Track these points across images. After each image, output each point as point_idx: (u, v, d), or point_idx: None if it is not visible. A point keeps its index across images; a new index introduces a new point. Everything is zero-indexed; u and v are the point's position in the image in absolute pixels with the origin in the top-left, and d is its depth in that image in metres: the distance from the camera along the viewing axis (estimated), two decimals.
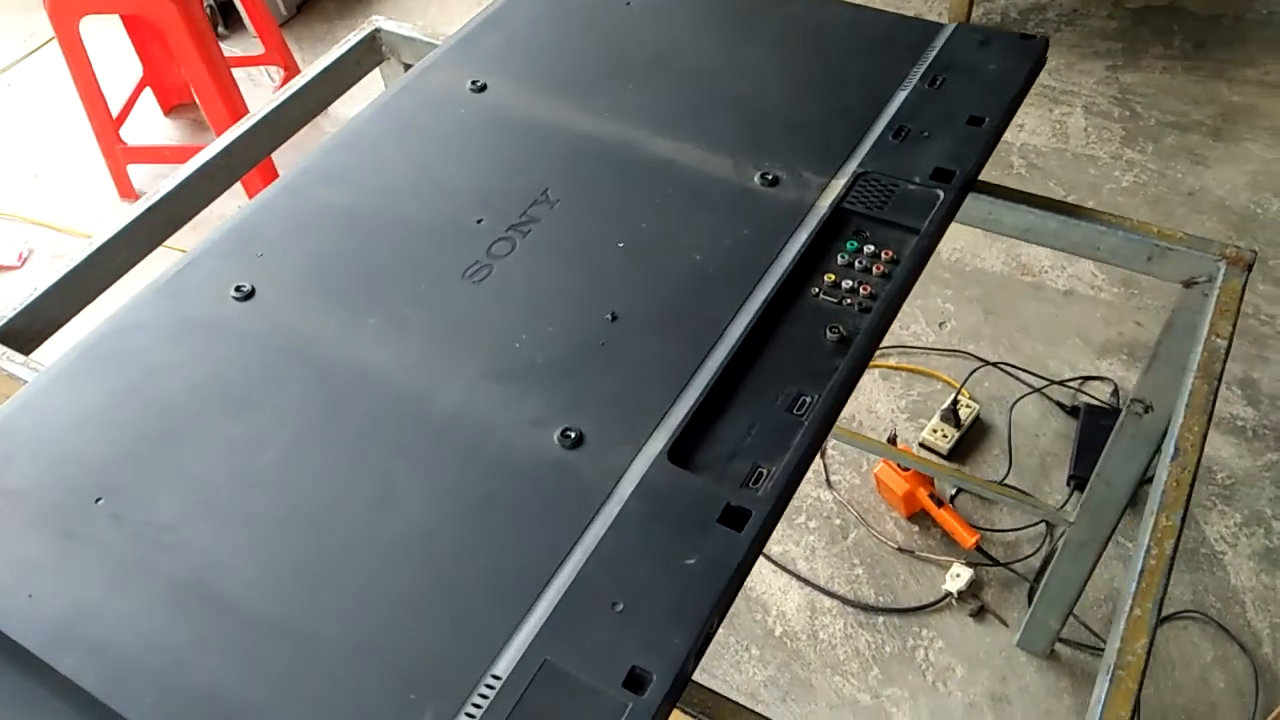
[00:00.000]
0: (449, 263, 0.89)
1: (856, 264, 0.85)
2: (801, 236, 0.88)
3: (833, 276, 0.85)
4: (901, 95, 1.00)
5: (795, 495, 1.84)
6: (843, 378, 0.78)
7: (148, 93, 2.73)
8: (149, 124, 2.77)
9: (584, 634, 0.64)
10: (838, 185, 0.92)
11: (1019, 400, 1.87)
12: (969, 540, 1.62)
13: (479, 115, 1.05)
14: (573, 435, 0.75)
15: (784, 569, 1.68)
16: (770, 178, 0.93)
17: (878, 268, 0.85)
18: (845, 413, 1.89)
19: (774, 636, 1.60)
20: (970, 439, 1.81)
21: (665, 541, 0.68)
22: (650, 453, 0.74)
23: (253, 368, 0.83)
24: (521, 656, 0.63)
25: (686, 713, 0.70)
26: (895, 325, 2.06)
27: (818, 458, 1.84)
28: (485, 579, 0.68)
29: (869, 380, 1.97)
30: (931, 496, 1.66)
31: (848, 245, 0.87)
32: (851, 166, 0.93)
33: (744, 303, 0.83)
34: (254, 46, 2.87)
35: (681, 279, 0.86)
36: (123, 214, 1.06)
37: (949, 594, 1.59)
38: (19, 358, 0.91)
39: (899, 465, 1.68)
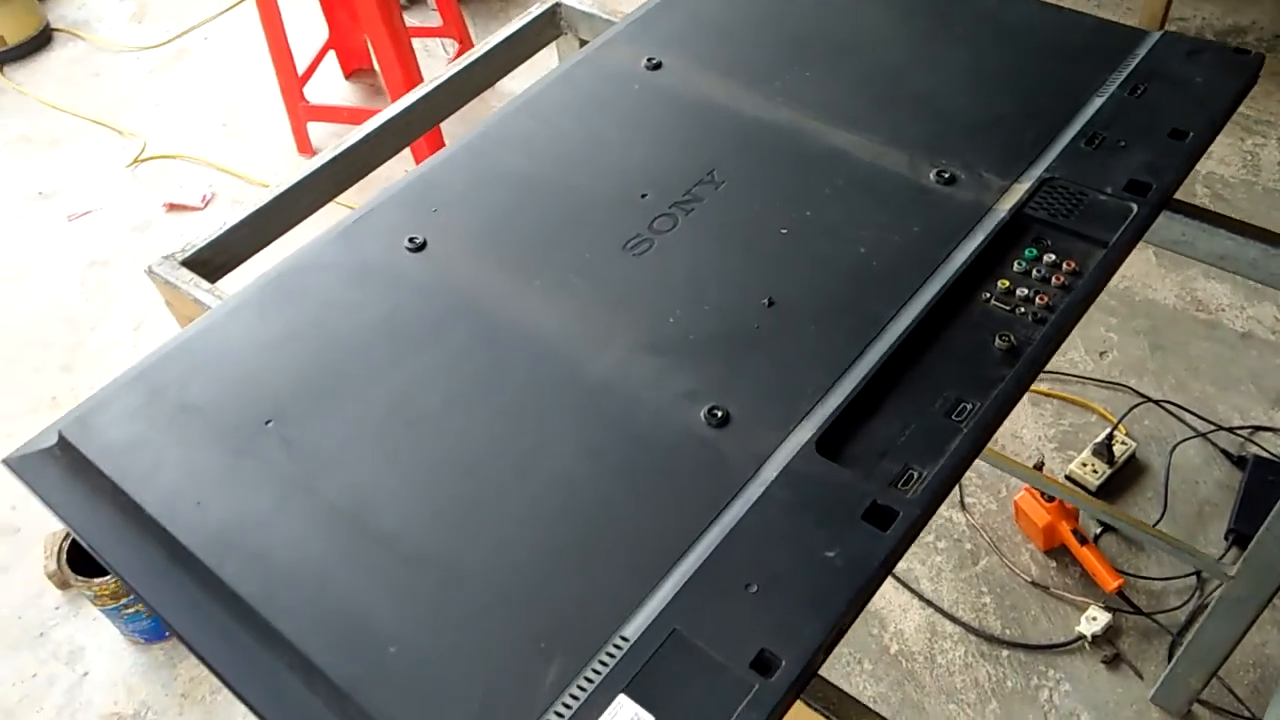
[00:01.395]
0: (612, 234, 0.91)
1: (1034, 273, 0.82)
2: (977, 239, 0.85)
3: (1007, 283, 0.82)
4: (1098, 102, 0.95)
5: None
6: (1008, 389, 0.75)
7: (331, 56, 2.88)
8: (330, 85, 2.93)
9: (715, 610, 0.64)
10: (1020, 189, 0.89)
11: (1181, 443, 1.76)
12: (1111, 583, 1.53)
13: (652, 92, 1.06)
14: (720, 414, 0.75)
15: (906, 586, 1.63)
16: (947, 176, 0.91)
17: (1057, 278, 0.81)
18: None
19: (889, 653, 1.57)
20: (1122, 478, 1.71)
21: (806, 530, 0.68)
22: (797, 441, 0.73)
23: (420, 316, 0.86)
24: (651, 622, 0.64)
25: (810, 705, 0.69)
26: None
27: None
28: (622, 543, 0.69)
29: (1018, 405, 1.89)
30: (1074, 532, 1.58)
31: (1026, 253, 0.84)
32: (1037, 171, 0.89)
33: (909, 300, 0.81)
34: (432, 19, 2.99)
35: (844, 271, 0.85)
36: (306, 165, 1.12)
37: (1082, 636, 1.51)
38: (205, 284, 0.98)
39: (1043, 495, 1.61)
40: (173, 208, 2.58)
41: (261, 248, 1.09)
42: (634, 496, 0.72)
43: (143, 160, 2.74)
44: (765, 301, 0.83)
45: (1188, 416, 1.79)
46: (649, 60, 1.08)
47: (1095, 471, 1.70)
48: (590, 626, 0.65)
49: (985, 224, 0.86)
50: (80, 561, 1.68)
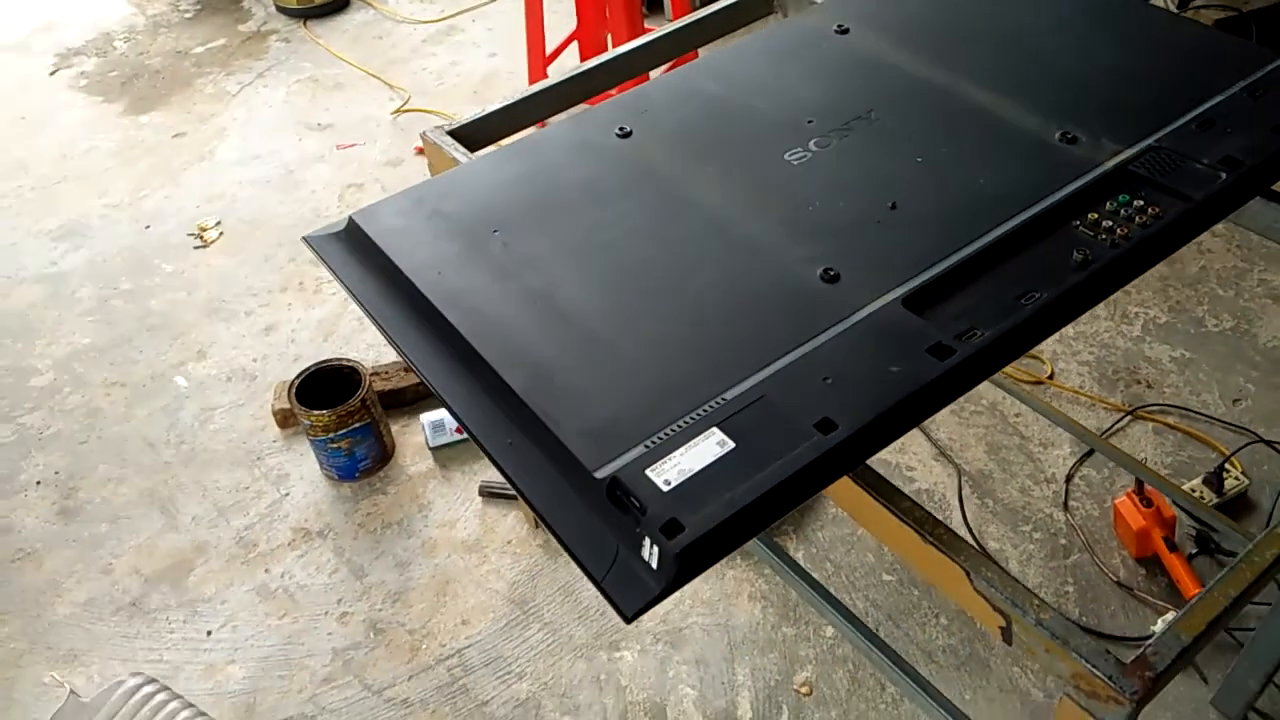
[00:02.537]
0: (776, 146, 1.12)
1: (1122, 213, 0.97)
2: (1080, 182, 1.01)
3: (1096, 216, 0.97)
4: (1218, 99, 1.08)
5: (1025, 505, 1.93)
6: (1073, 289, 0.91)
7: (574, 46, 3.24)
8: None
9: (797, 388, 0.84)
10: (1129, 152, 1.03)
11: None
12: (1192, 590, 1.58)
13: (835, 49, 1.27)
14: (831, 273, 0.95)
15: (992, 561, 1.73)
16: (1070, 136, 1.07)
17: (1141, 219, 0.96)
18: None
19: (965, 615, 1.67)
20: (1227, 510, 1.74)
21: (879, 352, 0.86)
22: (890, 297, 0.92)
23: (615, 180, 1.11)
24: (746, 389, 0.84)
25: (857, 482, 0.86)
26: (1185, 389, 2.03)
27: (1062, 481, 1.87)
28: (738, 338, 0.90)
29: (1140, 431, 1.94)
30: (1166, 540, 1.64)
31: (1120, 197, 0.99)
32: (1148, 141, 1.04)
33: (1010, 218, 0.98)
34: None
35: (962, 192, 1.03)
36: (552, 77, 1.40)
37: (1155, 634, 1.56)
38: (463, 148, 1.27)
39: (1141, 501, 1.68)
40: (421, 151, 2.99)
41: (510, 133, 1.37)
42: (754, 312, 0.92)
43: (405, 111, 3.19)
44: (890, 205, 1.02)
45: None
46: (838, 26, 1.29)
47: (1202, 498, 1.74)
48: (701, 385, 0.86)
49: (1091, 173, 1.02)
50: (305, 400, 2.03)
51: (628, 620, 0.76)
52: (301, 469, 2.14)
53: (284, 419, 2.21)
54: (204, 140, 3.18)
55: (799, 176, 1.08)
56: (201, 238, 2.81)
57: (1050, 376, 2.06)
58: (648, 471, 0.78)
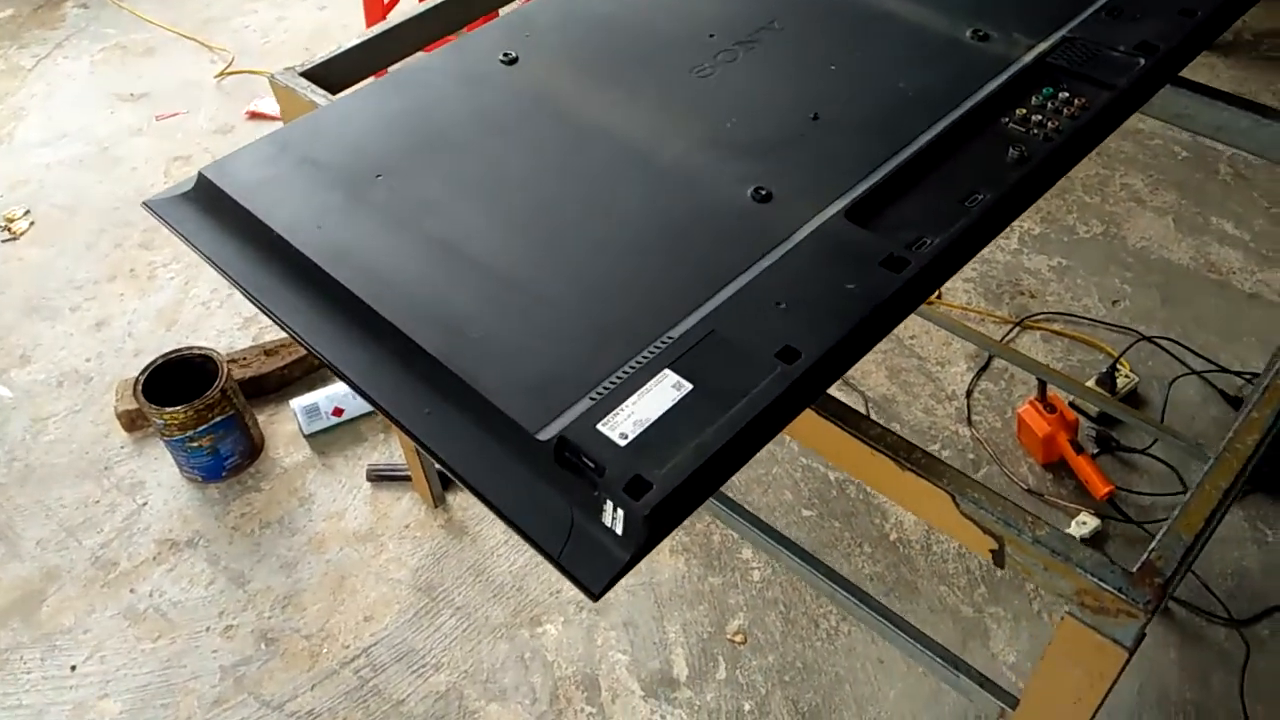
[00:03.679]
0: (680, 62, 1.04)
1: (1049, 105, 0.94)
2: (1002, 78, 0.97)
3: (1024, 112, 0.93)
4: None
5: (930, 424, 1.93)
6: (1015, 186, 0.87)
7: None
8: None
9: (749, 319, 0.76)
10: (1044, 45, 1.00)
11: (1179, 378, 1.85)
12: (1102, 490, 1.63)
13: None
14: (764, 193, 0.87)
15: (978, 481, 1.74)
16: (981, 34, 1.03)
17: (1069, 111, 0.92)
18: (999, 362, 1.92)
19: (888, 540, 1.67)
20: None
21: (831, 271, 0.79)
22: (830, 212, 0.85)
23: (509, 111, 0.99)
24: (693, 326, 0.76)
25: (822, 414, 0.80)
26: (1066, 296, 2.09)
27: (963, 397, 1.89)
28: (673, 271, 0.81)
29: (1029, 340, 1.99)
30: (1072, 443, 1.68)
31: (1044, 91, 0.95)
32: (1061, 33, 1.01)
33: (938, 120, 0.93)
34: None
35: (883, 97, 0.97)
36: (415, 6, 1.26)
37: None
38: (320, 90, 1.12)
39: (1044, 408, 1.71)
40: (254, 115, 2.74)
41: (370, 73, 1.22)
42: (687, 242, 0.84)
43: (230, 73, 2.91)
44: (811, 115, 0.96)
45: (1189, 358, 1.89)
46: None
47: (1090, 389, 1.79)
48: (642, 326, 0.77)
49: (1012, 69, 0.98)
50: (152, 398, 1.82)
51: (594, 597, 0.67)
52: (158, 474, 1.93)
53: (130, 421, 1.98)
54: (3, 119, 2.81)
55: (709, 93, 1.00)
56: (9, 229, 2.49)
57: (938, 296, 2.08)
58: (599, 426, 0.69)
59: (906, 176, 0.88)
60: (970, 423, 1.84)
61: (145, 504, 1.89)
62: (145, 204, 0.98)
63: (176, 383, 1.86)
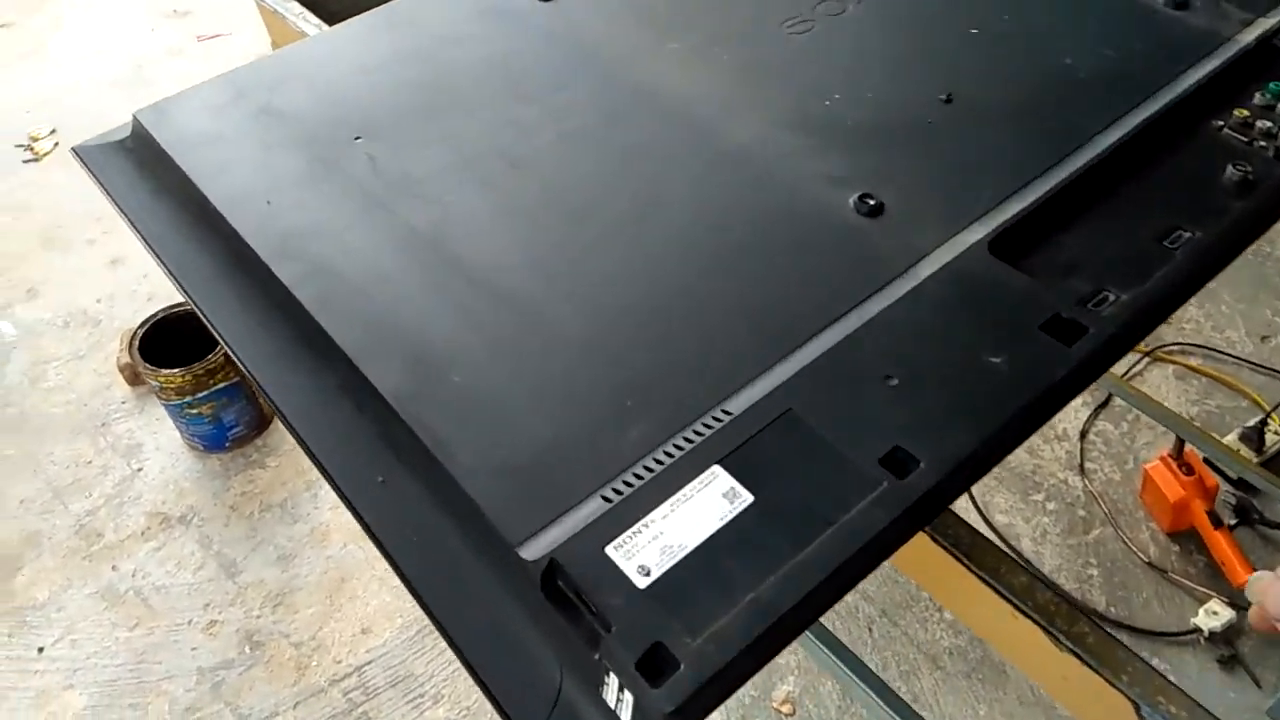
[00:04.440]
0: (769, 11, 0.79)
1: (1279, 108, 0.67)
2: (1210, 65, 0.71)
3: (1245, 114, 0.67)
4: None
5: (1035, 469, 1.63)
6: (1237, 221, 0.61)
7: None
8: None
9: (843, 397, 0.53)
10: (1269, 23, 0.74)
11: None
12: (1241, 575, 1.36)
13: None
14: (872, 202, 0.63)
15: (1005, 541, 1.49)
16: (1182, 1, 0.76)
17: None
18: (1121, 401, 1.65)
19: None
20: (1271, 470, 1.53)
21: (968, 331, 0.55)
22: (965, 240, 0.61)
23: (542, 62, 0.76)
24: (761, 399, 0.53)
25: (936, 540, 0.57)
26: (1206, 325, 1.79)
27: (1075, 438, 1.62)
28: (737, 314, 0.58)
29: (1160, 375, 1.71)
30: (1209, 514, 1.41)
31: (1271, 86, 0.69)
32: None
33: (1122, 117, 0.68)
34: None
35: (1042, 78, 0.72)
36: None
37: (1198, 630, 1.34)
38: (315, 19, 0.90)
39: (1180, 468, 1.44)
40: None
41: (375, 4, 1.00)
42: (758, 268, 0.61)
43: None
44: (943, 97, 0.71)
45: None
46: None
47: (1242, 458, 1.51)
48: (687, 392, 0.54)
49: (1223, 52, 0.72)
50: (154, 354, 1.66)
51: None
52: (158, 437, 1.78)
53: (134, 375, 1.83)
54: (34, 32, 2.67)
55: (805, 55, 0.75)
56: (32, 149, 2.35)
57: None
58: (610, 550, 0.47)
59: (1078, 196, 0.63)
60: (1083, 471, 1.57)
61: (140, 470, 1.73)
62: (74, 150, 0.78)
63: (183, 339, 1.69)
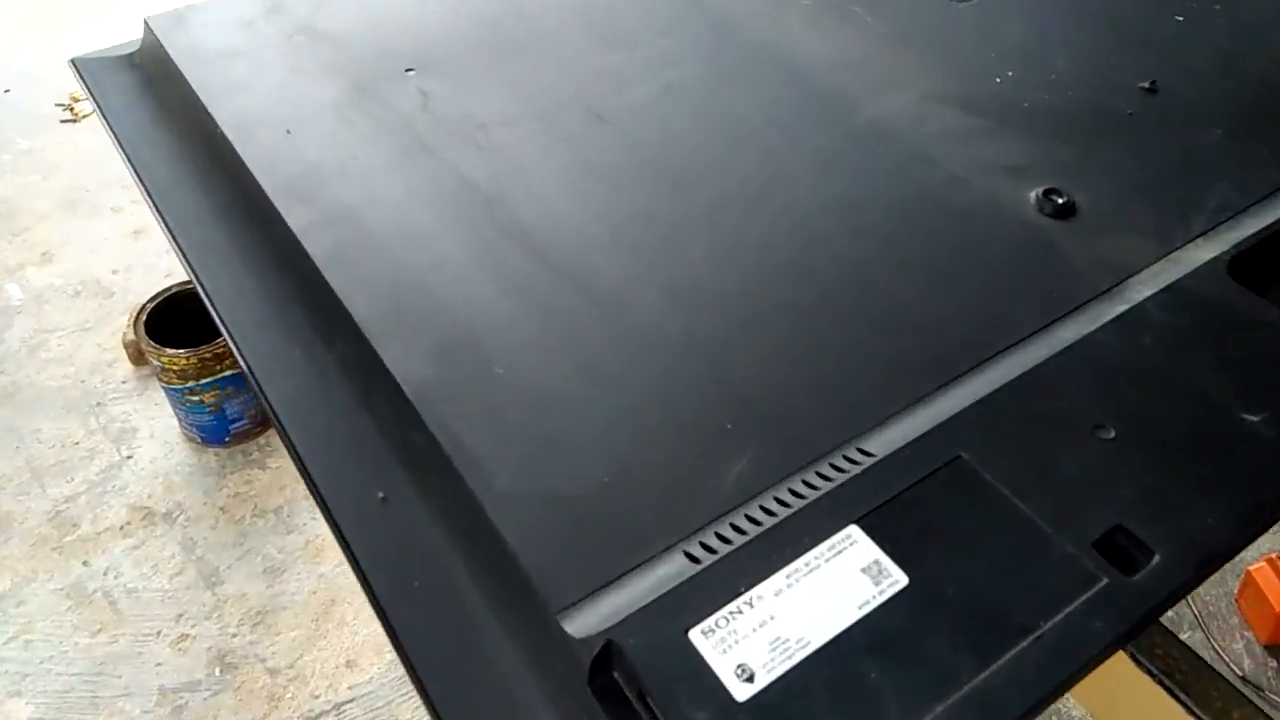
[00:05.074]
0: None
1: None
2: None
3: None
4: None
5: None
6: None
7: None
8: None
9: (1033, 446, 0.38)
10: None
11: None
12: None
13: None
14: (1060, 200, 0.49)
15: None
16: None
17: None
18: None
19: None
20: None
21: (1210, 375, 0.41)
22: (1192, 259, 0.46)
23: (642, 6, 0.63)
24: (918, 438, 0.38)
25: (1140, 664, 0.41)
26: None
27: None
28: (882, 323, 0.44)
29: None
30: None
31: None
32: None
33: None
34: None
35: (1272, 77, 0.57)
36: None
37: None
38: None
39: None
40: None
41: None
42: (911, 269, 0.46)
43: None
44: (1144, 85, 0.56)
45: None
46: None
47: None
48: (813, 418, 0.40)
49: None
50: (166, 334, 1.54)
51: None
52: (154, 424, 1.65)
53: (138, 354, 1.71)
54: None
55: (972, 25, 0.61)
56: (72, 110, 2.27)
57: None
58: (695, 635, 0.33)
59: None
60: None
61: (130, 457, 1.60)
62: (72, 61, 0.66)
63: (195, 320, 1.56)
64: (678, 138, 0.54)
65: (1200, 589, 1.38)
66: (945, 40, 0.60)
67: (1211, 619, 1.36)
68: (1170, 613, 1.36)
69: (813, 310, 0.44)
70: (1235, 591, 1.36)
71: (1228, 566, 1.38)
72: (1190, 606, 1.37)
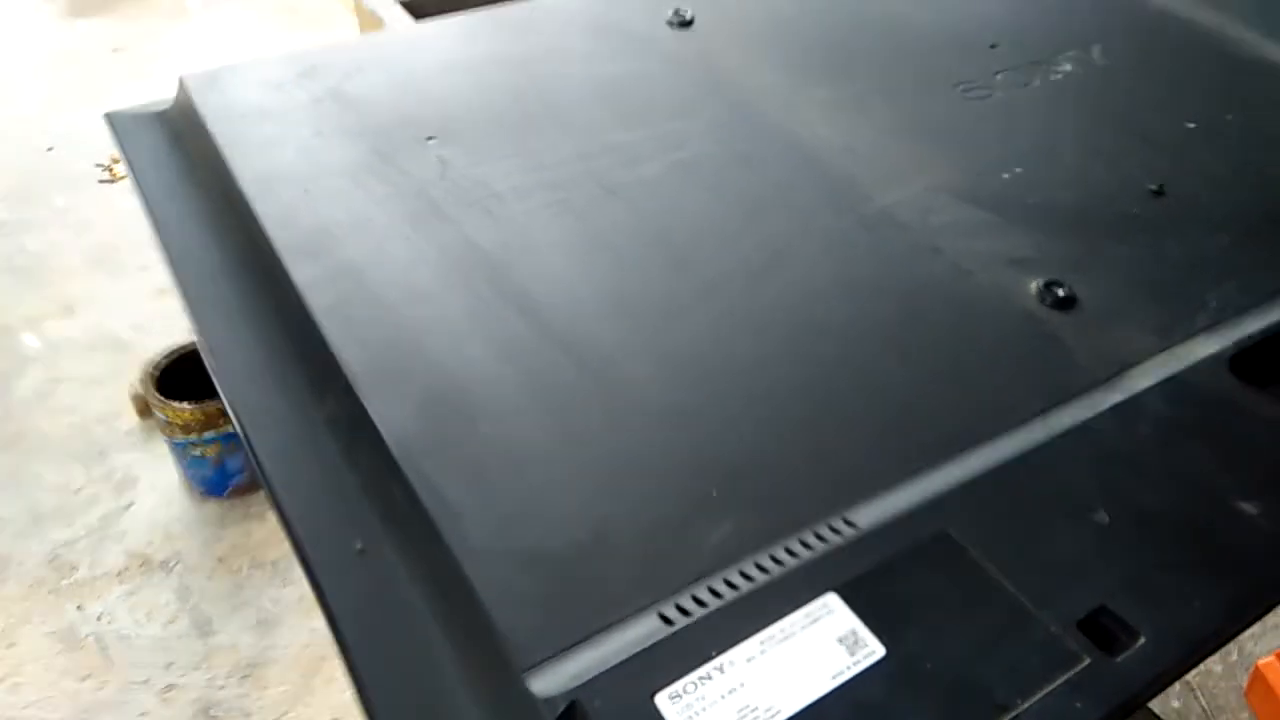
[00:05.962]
0: (939, 69, 0.67)
1: None
2: None
3: None
4: None
5: None
6: None
7: None
8: None
9: (1022, 527, 0.38)
10: None
11: None
12: None
13: None
14: (1061, 292, 0.50)
15: None
16: None
17: None
18: None
19: None
20: None
21: (1207, 465, 0.40)
22: (1191, 354, 0.46)
23: (660, 87, 0.65)
24: (905, 512, 0.38)
25: None
26: None
27: None
28: (875, 400, 0.44)
29: None
30: None
31: None
32: None
33: None
34: None
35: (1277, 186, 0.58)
36: None
37: None
38: (400, 11, 0.81)
39: None
40: None
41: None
42: (908, 349, 0.47)
43: None
44: (1152, 188, 0.57)
45: None
46: None
47: None
48: (798, 488, 0.40)
49: None
50: (177, 390, 1.56)
51: None
52: (156, 475, 1.65)
53: (144, 407, 1.72)
54: (145, 59, 2.72)
55: (981, 122, 0.63)
56: (110, 171, 2.34)
57: None
58: (662, 699, 0.32)
59: None
60: None
61: (130, 506, 1.60)
62: (107, 116, 0.69)
63: (205, 378, 1.58)
64: (685, 214, 0.55)
65: (1208, 682, 1.34)
66: (958, 134, 0.62)
67: (1220, 711, 1.32)
68: (1178, 703, 1.31)
69: (808, 387, 0.45)
70: (1245, 687, 1.32)
71: (1236, 660, 1.35)
72: (1199, 699, 1.33)
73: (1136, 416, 0.42)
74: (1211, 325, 0.48)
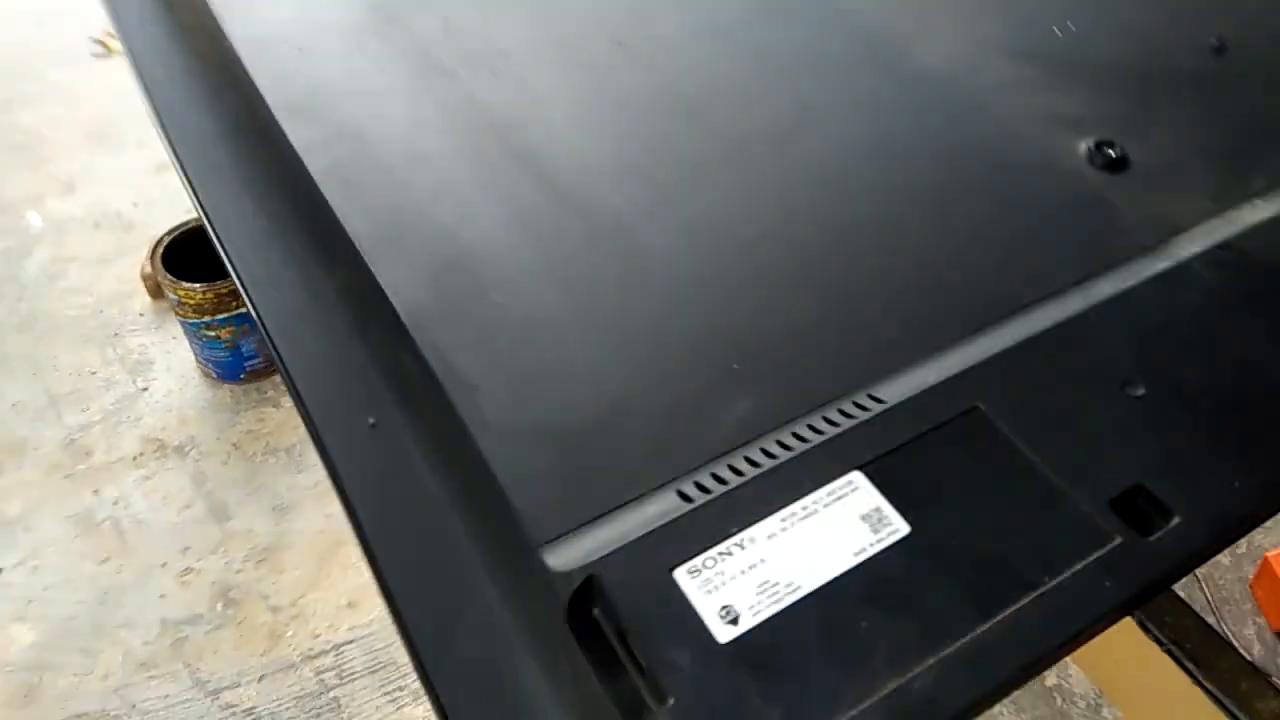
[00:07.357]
0: None
1: None
2: None
3: None
4: None
5: None
6: None
7: None
8: None
9: (1057, 402, 0.37)
10: None
11: None
12: None
13: None
14: (1112, 153, 0.47)
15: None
16: None
17: None
18: None
19: (1043, 684, 1.25)
20: None
21: (1257, 339, 0.39)
22: (1246, 219, 0.44)
23: None
24: (932, 386, 0.37)
25: (1149, 632, 0.40)
26: None
27: None
28: (907, 268, 0.42)
29: None
30: None
31: None
32: None
33: None
34: None
35: None
36: None
37: None
38: None
39: None
40: None
41: None
42: (943, 214, 0.45)
43: None
44: (1213, 43, 0.54)
45: None
46: None
47: None
48: (824, 363, 0.39)
49: None
50: (185, 268, 1.55)
51: None
52: (171, 356, 1.67)
53: (156, 287, 1.72)
54: None
55: None
56: (105, 45, 2.28)
57: None
58: (680, 574, 0.32)
59: None
60: None
61: (146, 389, 1.62)
62: None
63: (215, 256, 1.57)
64: (705, 71, 0.52)
65: (1215, 573, 1.36)
66: None
67: (1224, 603, 1.35)
68: (1183, 594, 1.33)
69: (835, 255, 0.43)
70: (1251, 577, 1.34)
71: (1244, 552, 1.36)
72: (1204, 590, 1.36)
73: (1183, 285, 0.41)
74: (1268, 189, 0.45)
